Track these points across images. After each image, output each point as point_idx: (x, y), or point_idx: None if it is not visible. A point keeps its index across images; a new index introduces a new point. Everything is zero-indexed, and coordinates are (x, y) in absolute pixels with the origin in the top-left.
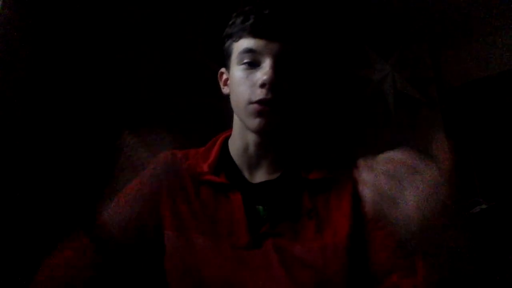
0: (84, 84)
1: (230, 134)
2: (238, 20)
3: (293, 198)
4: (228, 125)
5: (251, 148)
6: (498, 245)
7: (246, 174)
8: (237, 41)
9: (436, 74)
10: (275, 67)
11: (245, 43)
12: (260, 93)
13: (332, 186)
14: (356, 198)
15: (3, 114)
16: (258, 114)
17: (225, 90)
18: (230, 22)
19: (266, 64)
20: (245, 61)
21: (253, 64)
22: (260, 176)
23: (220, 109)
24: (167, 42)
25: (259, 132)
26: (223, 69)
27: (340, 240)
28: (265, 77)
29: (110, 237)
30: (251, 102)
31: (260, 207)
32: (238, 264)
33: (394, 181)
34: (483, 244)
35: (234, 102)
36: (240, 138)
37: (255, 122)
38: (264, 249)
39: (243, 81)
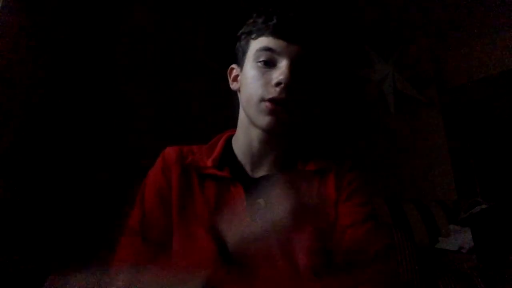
0: (85, 84)
1: (234, 133)
2: (260, 19)
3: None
4: (230, 125)
5: (255, 146)
6: (498, 245)
7: (248, 170)
8: (256, 39)
9: (436, 74)
10: (291, 68)
11: (265, 41)
12: (273, 92)
13: (325, 175)
14: (338, 187)
15: (3, 114)
16: (269, 112)
17: (233, 86)
18: (251, 20)
19: (283, 64)
20: (261, 59)
21: (269, 64)
22: (261, 171)
23: (221, 109)
24: (168, 42)
25: (267, 130)
26: (234, 65)
27: (330, 224)
28: (281, 77)
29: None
30: (263, 100)
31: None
32: (239, 257)
33: None
34: (483, 244)
35: (245, 98)
36: (245, 135)
37: (264, 120)
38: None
39: (258, 79)
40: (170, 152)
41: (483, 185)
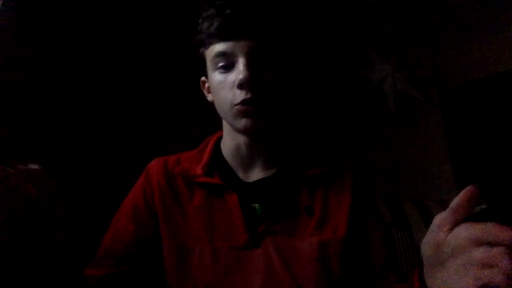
0: (84, 84)
1: (223, 135)
2: (204, 26)
3: (290, 195)
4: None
5: (243, 149)
6: None
7: (240, 174)
8: (207, 47)
9: (436, 74)
10: (249, 65)
11: (216, 47)
12: (240, 94)
13: (330, 182)
14: (356, 195)
15: (3, 113)
16: (243, 114)
17: (209, 97)
18: (198, 29)
19: (240, 63)
20: (219, 65)
21: (228, 67)
22: (255, 175)
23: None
24: (166, 43)
25: (248, 132)
26: (203, 78)
27: (339, 236)
28: (240, 77)
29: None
30: (234, 104)
31: (257, 205)
32: (237, 265)
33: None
34: None
35: (219, 107)
36: (231, 139)
37: (241, 123)
38: (264, 248)
39: (222, 85)
40: (153, 166)
41: (483, 185)
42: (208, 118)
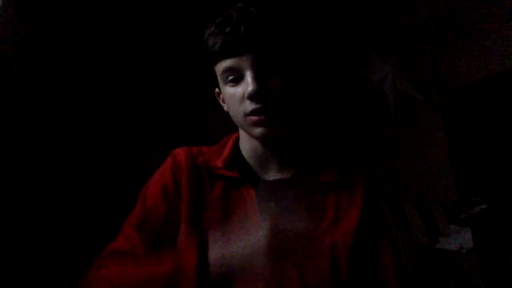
0: (87, 83)
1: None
2: (209, 44)
3: (305, 197)
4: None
5: (260, 151)
6: (498, 245)
7: (258, 172)
8: (215, 64)
9: (436, 74)
10: (256, 77)
11: (222, 64)
12: (250, 105)
13: (343, 188)
14: (366, 202)
15: (3, 113)
16: (257, 124)
17: (225, 107)
18: (203, 46)
19: (248, 76)
20: (229, 79)
21: (237, 79)
22: (272, 175)
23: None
24: (170, 47)
25: (264, 139)
26: (217, 89)
27: (349, 240)
28: (249, 89)
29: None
30: (246, 115)
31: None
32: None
33: None
34: (483, 244)
35: (233, 117)
36: (248, 142)
37: (256, 131)
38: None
39: (234, 97)
40: (180, 152)
41: (483, 185)
42: (214, 118)
